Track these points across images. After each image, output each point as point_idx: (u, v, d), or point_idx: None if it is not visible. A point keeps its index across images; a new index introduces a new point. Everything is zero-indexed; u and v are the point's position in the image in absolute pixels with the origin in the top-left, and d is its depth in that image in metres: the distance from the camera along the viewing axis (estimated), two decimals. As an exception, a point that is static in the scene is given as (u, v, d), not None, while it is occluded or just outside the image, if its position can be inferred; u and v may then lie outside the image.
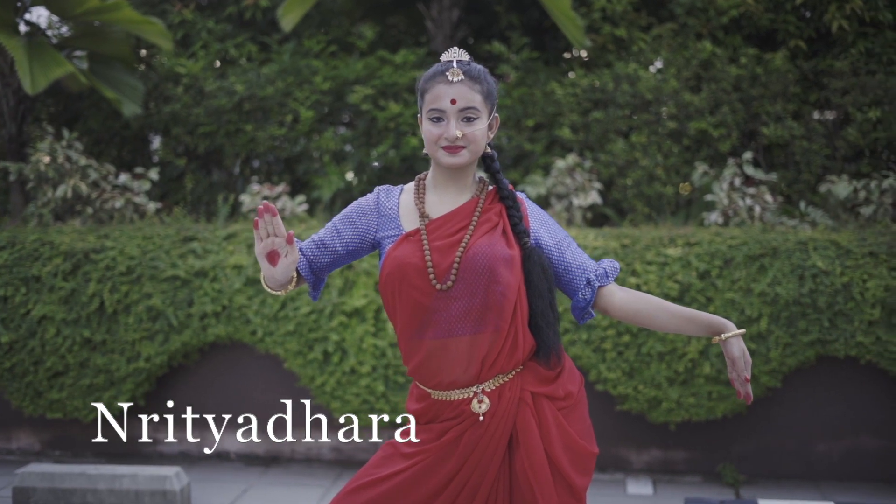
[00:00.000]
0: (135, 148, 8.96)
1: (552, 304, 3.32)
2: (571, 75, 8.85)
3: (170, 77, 8.73)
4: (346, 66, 8.64)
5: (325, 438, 6.98)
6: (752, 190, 7.50)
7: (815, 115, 8.61)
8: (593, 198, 7.70)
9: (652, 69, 8.52)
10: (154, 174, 7.80)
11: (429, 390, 3.30)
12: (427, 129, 3.26)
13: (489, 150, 3.39)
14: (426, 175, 3.41)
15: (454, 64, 3.27)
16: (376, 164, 8.48)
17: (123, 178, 7.69)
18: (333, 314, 6.62)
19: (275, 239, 3.14)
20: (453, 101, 3.22)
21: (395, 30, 9.83)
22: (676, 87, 8.25)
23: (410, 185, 3.42)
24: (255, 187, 7.75)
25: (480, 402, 3.24)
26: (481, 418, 3.24)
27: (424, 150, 3.33)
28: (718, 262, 6.50)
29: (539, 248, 3.32)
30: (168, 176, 8.66)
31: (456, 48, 3.34)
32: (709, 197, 7.59)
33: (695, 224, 7.63)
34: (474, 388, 3.25)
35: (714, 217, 7.40)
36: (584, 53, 9.05)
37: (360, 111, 8.60)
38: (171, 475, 5.86)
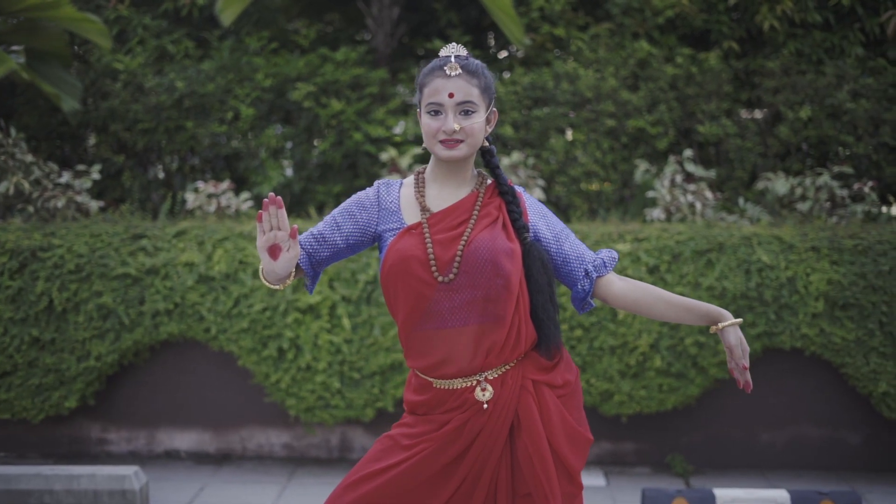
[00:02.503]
0: (71, 145, 8.83)
1: (552, 298, 3.39)
2: (507, 75, 8.94)
3: (107, 73, 8.63)
4: (288, 64, 8.62)
5: (276, 436, 6.97)
6: (692, 187, 7.67)
7: (745, 114, 8.83)
8: (537, 194, 7.80)
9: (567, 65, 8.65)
10: (96, 172, 7.71)
11: (431, 380, 3.34)
12: (426, 122, 3.31)
13: (487, 144, 3.45)
14: (425, 169, 3.45)
15: (452, 58, 3.32)
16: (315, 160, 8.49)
17: (66, 175, 7.58)
18: (288, 311, 6.62)
19: (277, 233, 3.15)
20: (451, 95, 3.27)
21: (332, 27, 9.83)
22: (615, 86, 8.39)
23: (410, 179, 3.46)
24: (200, 185, 7.70)
25: (484, 389, 3.30)
26: (485, 406, 3.29)
27: (423, 144, 3.38)
28: (667, 258, 6.64)
29: (538, 240, 3.39)
30: (105, 173, 8.55)
31: (453, 43, 3.40)
32: (651, 194, 7.75)
33: (638, 220, 7.77)
34: (477, 377, 3.30)
35: (656, 213, 7.55)
36: (520, 52, 9.15)
37: (302, 108, 8.59)
38: (129, 474, 5.81)
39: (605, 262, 3.46)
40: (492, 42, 9.53)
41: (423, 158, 8.62)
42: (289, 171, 8.66)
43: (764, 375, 6.77)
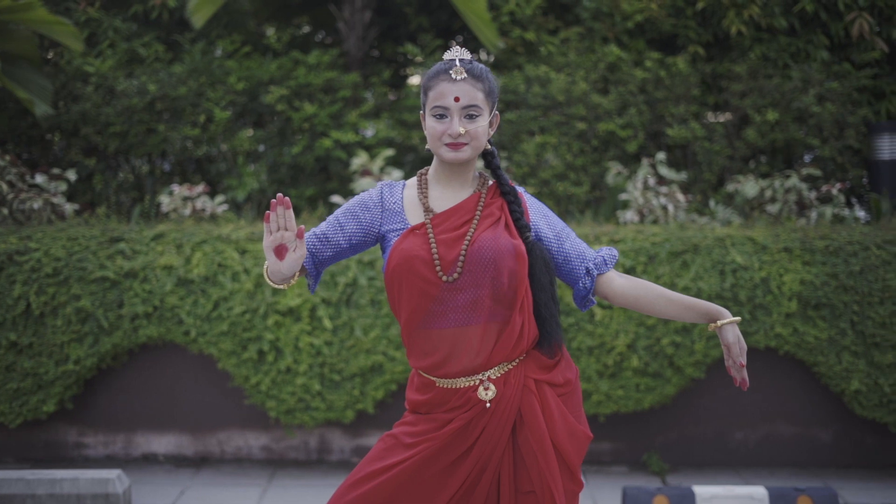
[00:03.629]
0: (40, 148, 8.78)
1: (554, 296, 3.45)
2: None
3: (78, 76, 8.59)
4: (260, 67, 8.63)
5: (255, 438, 6.99)
6: (664, 189, 7.77)
7: (712, 117, 8.96)
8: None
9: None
10: (72, 175, 7.68)
11: (434, 379, 3.38)
12: (431, 125, 3.36)
13: (489, 146, 3.52)
14: (427, 171, 3.50)
15: (457, 62, 3.38)
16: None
17: (41, 178, 7.55)
18: (268, 314, 6.64)
19: (284, 233, 3.18)
20: (457, 99, 3.33)
21: (301, 31, 9.85)
22: (586, 90, 8.48)
23: (412, 181, 3.51)
24: (175, 188, 7.70)
25: (487, 388, 3.35)
26: (488, 405, 3.34)
27: (427, 146, 3.43)
28: (643, 259, 6.73)
29: (539, 239, 3.45)
30: (76, 176, 8.51)
31: (458, 47, 3.46)
32: (623, 196, 7.84)
33: (612, 222, 7.86)
34: (480, 376, 3.35)
35: (630, 215, 7.64)
36: (491, 56, 9.22)
37: (275, 111, 8.61)
38: (112, 478, 5.79)
39: (605, 260, 3.53)
40: (462, 45, 9.59)
41: (395, 161, 8.66)
42: (263, 175, 8.66)
43: (738, 374, 6.87)
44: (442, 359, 3.35)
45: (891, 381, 6.58)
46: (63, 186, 7.56)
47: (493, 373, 3.36)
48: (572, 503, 3.47)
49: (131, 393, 6.97)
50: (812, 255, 6.72)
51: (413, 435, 3.41)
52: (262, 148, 8.68)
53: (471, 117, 3.35)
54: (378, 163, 8.03)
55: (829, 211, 7.68)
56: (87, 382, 6.94)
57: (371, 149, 8.47)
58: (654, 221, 7.61)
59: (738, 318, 3.46)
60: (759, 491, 5.91)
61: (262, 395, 6.68)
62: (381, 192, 3.49)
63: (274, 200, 3.16)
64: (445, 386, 3.37)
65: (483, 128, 3.37)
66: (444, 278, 3.31)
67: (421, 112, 3.46)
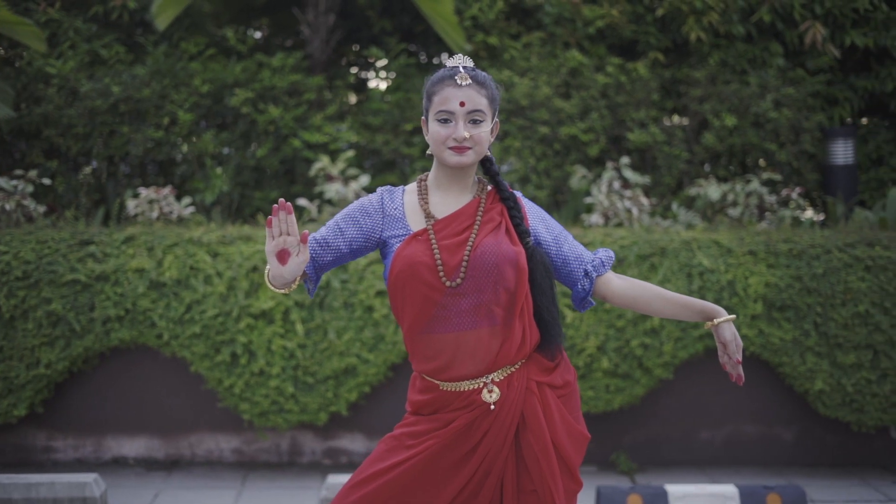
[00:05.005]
0: (1, 150, 8.70)
1: (554, 300, 3.52)
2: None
3: (39, 77, 8.53)
4: (225, 70, 8.63)
5: (226, 441, 6.99)
6: (628, 193, 7.89)
7: (669, 121, 9.10)
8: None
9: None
10: (46, 178, 7.63)
11: (437, 382, 3.43)
12: (435, 129, 3.41)
13: (488, 152, 3.57)
14: (426, 176, 3.55)
15: (461, 68, 3.44)
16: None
17: (1, 181, 7.49)
18: (241, 316, 6.65)
19: (287, 238, 3.20)
20: (462, 104, 3.38)
21: (262, 33, 9.85)
22: (548, 94, 8.58)
23: (412, 186, 3.55)
24: (143, 191, 7.68)
25: (490, 391, 3.40)
26: (492, 407, 3.39)
27: (428, 151, 3.48)
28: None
29: (538, 244, 3.51)
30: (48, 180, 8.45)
31: (460, 55, 3.51)
32: (588, 199, 7.94)
33: (578, 225, 7.96)
34: (484, 379, 3.40)
35: (595, 219, 7.75)
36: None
37: (239, 114, 8.61)
38: (89, 482, 5.77)
39: (603, 262, 3.60)
40: (425, 48, 9.64)
41: (362, 164, 8.69)
42: (226, 177, 8.65)
43: (705, 375, 7.01)
44: (445, 363, 3.40)
45: (853, 380, 6.75)
46: (30, 188, 7.51)
47: (497, 375, 3.41)
48: (571, 502, 3.54)
49: (102, 396, 6.94)
50: (776, 258, 6.87)
51: (415, 435, 3.45)
52: (226, 150, 8.68)
53: (475, 122, 3.41)
54: (339, 166, 8.06)
55: (788, 214, 7.84)
56: (58, 386, 6.90)
57: (335, 153, 8.49)
58: (619, 224, 7.72)
59: (733, 316, 3.54)
60: (730, 489, 6.03)
61: (235, 397, 6.68)
62: (382, 198, 3.52)
63: (276, 206, 3.19)
64: (449, 389, 3.41)
65: (486, 133, 3.43)
66: (448, 283, 3.35)
67: (423, 117, 3.51)
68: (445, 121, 3.40)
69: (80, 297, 6.65)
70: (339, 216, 3.51)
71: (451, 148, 3.40)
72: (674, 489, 6.05)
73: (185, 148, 8.51)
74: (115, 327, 6.65)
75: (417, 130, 8.82)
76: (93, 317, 6.64)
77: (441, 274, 3.35)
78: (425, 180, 3.54)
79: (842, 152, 8.90)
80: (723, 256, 6.88)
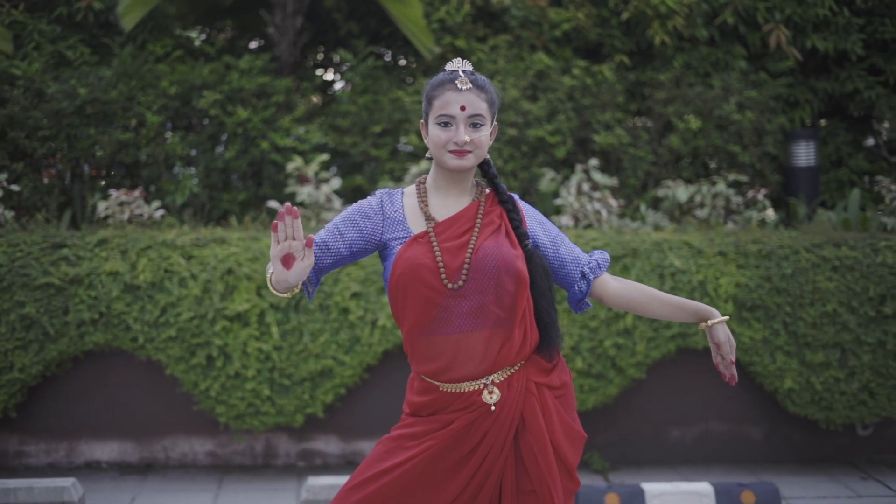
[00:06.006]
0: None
1: (553, 302, 3.57)
2: (408, 84, 9.10)
3: (4, 79, 8.45)
4: (193, 71, 8.60)
5: (200, 444, 6.98)
6: (597, 194, 7.97)
7: (633, 122, 9.20)
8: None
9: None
10: (19, 184, 7.58)
11: (437, 383, 3.46)
12: (435, 133, 3.45)
13: (486, 155, 3.62)
14: (425, 179, 3.58)
15: (460, 72, 3.48)
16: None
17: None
18: (216, 319, 6.64)
19: (292, 242, 3.22)
20: (463, 108, 3.42)
21: (225, 35, 9.82)
22: (516, 97, 8.65)
23: (411, 189, 3.58)
24: (113, 193, 7.64)
25: (491, 392, 3.44)
26: (493, 408, 3.43)
27: (427, 154, 3.52)
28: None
29: (536, 246, 3.56)
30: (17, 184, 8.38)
31: (459, 59, 3.55)
32: (557, 201, 8.01)
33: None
34: (484, 380, 3.44)
35: (564, 220, 7.82)
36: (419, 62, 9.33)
37: (207, 116, 8.59)
38: (68, 486, 5.75)
39: (599, 264, 3.66)
40: (391, 51, 9.67)
41: (331, 166, 8.70)
42: (195, 180, 8.62)
43: (676, 375, 7.10)
44: (446, 364, 3.43)
45: (822, 379, 6.87)
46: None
47: (497, 377, 3.45)
48: (569, 501, 3.59)
49: (75, 400, 6.90)
50: (746, 259, 6.97)
51: (414, 436, 3.48)
52: (193, 152, 8.65)
53: (475, 126, 3.45)
54: (313, 167, 8.07)
55: (754, 215, 7.96)
56: (30, 390, 6.85)
57: (305, 154, 8.50)
58: (588, 226, 7.80)
59: (727, 317, 3.62)
60: (706, 487, 6.12)
61: (211, 400, 6.68)
62: (382, 201, 3.55)
63: (282, 210, 3.20)
64: (449, 390, 3.45)
65: (486, 137, 3.48)
66: (450, 286, 3.39)
67: (421, 121, 3.54)
68: (446, 124, 3.43)
69: (54, 300, 6.61)
70: (338, 219, 3.53)
71: (451, 151, 3.44)
72: (650, 487, 6.14)
73: (147, 150, 8.45)
74: (90, 331, 6.62)
75: (385, 132, 8.85)
76: (67, 320, 6.61)
77: (443, 276, 3.39)
78: (424, 183, 3.58)
79: (804, 154, 9.04)
80: (693, 257, 6.98)
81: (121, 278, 6.65)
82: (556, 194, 8.26)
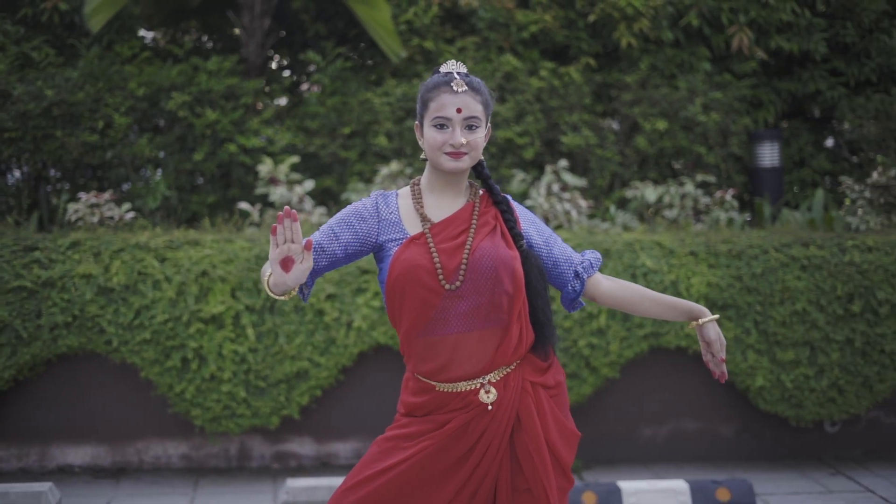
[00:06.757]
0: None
1: (548, 301, 3.60)
2: (377, 86, 9.10)
3: (-32, 80, 8.38)
4: (160, 73, 8.56)
5: (174, 447, 6.95)
6: (567, 195, 8.02)
7: (601, 123, 9.28)
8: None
9: None
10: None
11: (434, 383, 3.48)
12: (431, 135, 3.46)
13: (481, 157, 3.65)
14: (419, 180, 3.60)
15: (455, 74, 3.50)
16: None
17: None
18: (191, 321, 6.62)
19: (291, 245, 3.22)
20: (459, 110, 3.44)
21: (199, 37, 9.78)
22: (484, 98, 8.67)
23: (405, 191, 3.60)
24: (83, 195, 7.59)
25: (488, 392, 3.47)
26: (490, 408, 3.46)
27: (422, 156, 3.54)
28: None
29: (530, 246, 3.59)
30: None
31: (453, 60, 3.57)
32: (528, 202, 8.06)
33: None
34: (481, 380, 3.46)
35: (535, 221, 7.86)
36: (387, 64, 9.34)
37: (176, 117, 8.55)
38: (45, 490, 5.71)
39: (591, 263, 3.70)
40: (357, 52, 9.67)
41: (300, 168, 8.69)
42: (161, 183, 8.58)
43: (649, 374, 7.16)
44: (443, 364, 3.45)
45: (792, 376, 6.96)
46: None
47: (493, 376, 3.47)
48: (563, 499, 3.62)
49: (47, 404, 6.85)
50: (716, 259, 7.05)
51: (409, 437, 3.49)
52: (161, 154, 8.60)
53: (471, 128, 3.47)
54: (283, 169, 8.06)
55: (722, 216, 8.06)
56: (2, 394, 6.79)
57: (276, 156, 8.48)
58: (559, 227, 7.85)
59: (717, 316, 3.68)
60: (681, 485, 6.19)
61: (186, 403, 6.65)
62: (377, 203, 3.56)
63: (281, 213, 3.20)
64: (446, 390, 3.47)
65: (482, 138, 3.50)
66: (447, 287, 3.41)
67: (416, 123, 3.56)
68: (442, 126, 3.45)
69: (27, 303, 6.55)
70: (332, 221, 3.53)
71: (447, 153, 3.46)
72: (626, 486, 6.19)
73: (112, 152, 8.40)
74: (63, 334, 6.57)
75: (355, 134, 8.85)
76: (40, 324, 6.55)
77: (440, 277, 3.41)
78: (418, 184, 3.59)
79: (768, 155, 9.16)
80: (665, 257, 7.04)
81: (94, 281, 6.61)
82: (525, 195, 8.31)
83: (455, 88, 3.46)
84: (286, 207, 3.20)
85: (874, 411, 7.36)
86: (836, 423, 7.32)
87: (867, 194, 8.17)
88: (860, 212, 8.10)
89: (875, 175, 8.15)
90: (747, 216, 8.70)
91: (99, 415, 6.89)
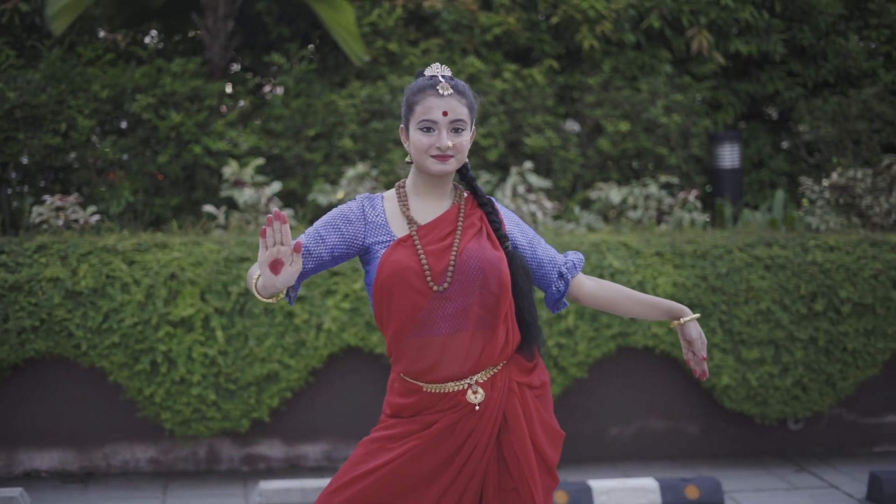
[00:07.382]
0: None
1: (533, 302, 3.64)
2: (341, 88, 9.11)
3: (-72, 82, 8.29)
4: (124, 75, 8.51)
5: (142, 451, 6.92)
6: (532, 196, 8.08)
7: (563, 123, 9.35)
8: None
9: None
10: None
11: (421, 384, 3.50)
12: (417, 138, 3.48)
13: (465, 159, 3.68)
14: (404, 183, 3.63)
15: (440, 77, 3.53)
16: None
17: None
18: (160, 324, 6.59)
19: (280, 248, 3.22)
20: (445, 113, 3.47)
21: (152, 38, 9.74)
22: (449, 100, 8.70)
23: (390, 193, 3.62)
24: (48, 198, 7.53)
25: (475, 392, 3.50)
26: (477, 408, 3.49)
27: (407, 158, 3.56)
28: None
29: (515, 247, 3.63)
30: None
31: (438, 64, 3.60)
32: (494, 203, 8.10)
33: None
34: (468, 380, 3.49)
35: (501, 222, 7.90)
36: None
37: (140, 120, 8.50)
38: (16, 496, 5.70)
39: (575, 264, 3.75)
40: (321, 54, 9.66)
41: (264, 170, 8.67)
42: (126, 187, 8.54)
43: (616, 373, 7.23)
44: (430, 365, 3.47)
45: (757, 375, 7.05)
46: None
47: (481, 377, 3.50)
48: (549, 498, 3.66)
49: (14, 408, 6.79)
50: (682, 259, 7.13)
51: (395, 438, 3.51)
52: (125, 157, 8.56)
53: (457, 131, 3.50)
54: (249, 172, 8.04)
55: (686, 216, 8.15)
56: (-32, 399, 6.74)
57: (240, 158, 8.46)
58: (525, 228, 7.89)
59: (697, 315, 3.73)
60: (651, 483, 6.27)
61: (155, 406, 6.62)
62: (363, 205, 3.58)
63: (270, 216, 3.21)
64: (433, 391, 3.49)
65: (467, 141, 3.53)
66: (435, 288, 3.43)
67: (401, 126, 3.58)
68: (428, 129, 3.47)
69: (-7, 307, 6.50)
70: (318, 224, 3.54)
71: (434, 156, 3.48)
72: (597, 484, 6.26)
73: (77, 154, 8.34)
74: (31, 338, 6.52)
75: (319, 136, 8.85)
76: (7, 328, 6.50)
77: (428, 279, 3.43)
78: (403, 187, 3.61)
79: (728, 156, 9.27)
80: (632, 258, 7.11)
81: (62, 284, 6.57)
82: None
83: (441, 92, 3.49)
84: (275, 210, 3.21)
85: (837, 409, 7.48)
86: (800, 420, 7.43)
87: (826, 195, 8.29)
88: (819, 212, 8.22)
89: (835, 176, 8.28)
90: (707, 217, 8.81)
91: (67, 419, 6.84)
